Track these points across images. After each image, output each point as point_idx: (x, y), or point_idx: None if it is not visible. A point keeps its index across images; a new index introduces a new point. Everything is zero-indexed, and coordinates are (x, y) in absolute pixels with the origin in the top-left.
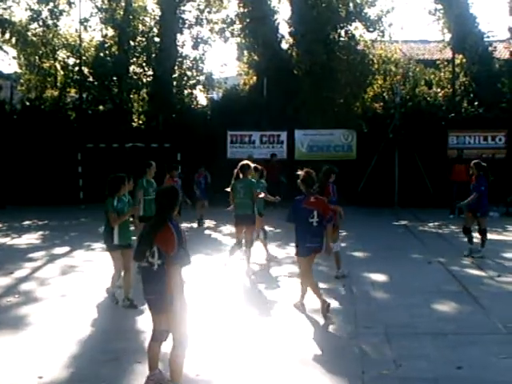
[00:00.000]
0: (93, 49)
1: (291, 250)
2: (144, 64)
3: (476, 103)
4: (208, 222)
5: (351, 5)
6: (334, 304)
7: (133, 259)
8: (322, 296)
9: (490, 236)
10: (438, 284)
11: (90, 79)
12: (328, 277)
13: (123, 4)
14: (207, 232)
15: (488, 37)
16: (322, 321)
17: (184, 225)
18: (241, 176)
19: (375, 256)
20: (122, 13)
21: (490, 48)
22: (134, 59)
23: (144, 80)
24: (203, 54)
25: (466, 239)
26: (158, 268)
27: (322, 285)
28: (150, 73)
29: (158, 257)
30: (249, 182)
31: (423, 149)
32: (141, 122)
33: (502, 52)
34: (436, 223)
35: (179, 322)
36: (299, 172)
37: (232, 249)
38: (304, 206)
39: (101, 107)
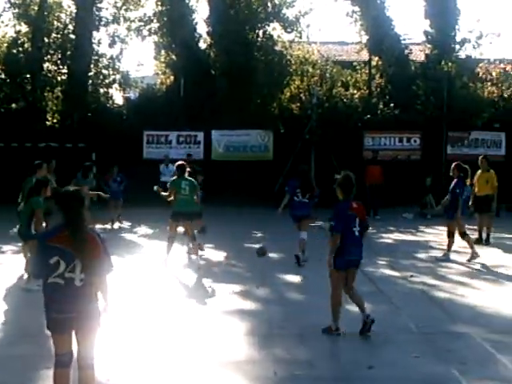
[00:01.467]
0: (5, 45)
1: (206, 251)
2: (59, 62)
3: (392, 105)
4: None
5: (269, 5)
6: (248, 305)
7: (34, 276)
8: (338, 321)
9: (403, 237)
10: None
11: (2, 76)
12: (243, 278)
13: (37, 0)
14: (122, 234)
15: (404, 39)
16: (237, 323)
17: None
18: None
19: (290, 257)
20: (36, 8)
21: (405, 50)
22: (49, 56)
23: (58, 78)
24: (120, 53)
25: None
26: (82, 283)
27: (236, 286)
28: (65, 71)
29: (80, 270)
30: (193, 181)
31: (339, 150)
32: (55, 120)
33: (417, 54)
34: None
35: (93, 344)
36: (336, 176)
37: (168, 246)
38: (350, 212)
39: (13, 105)
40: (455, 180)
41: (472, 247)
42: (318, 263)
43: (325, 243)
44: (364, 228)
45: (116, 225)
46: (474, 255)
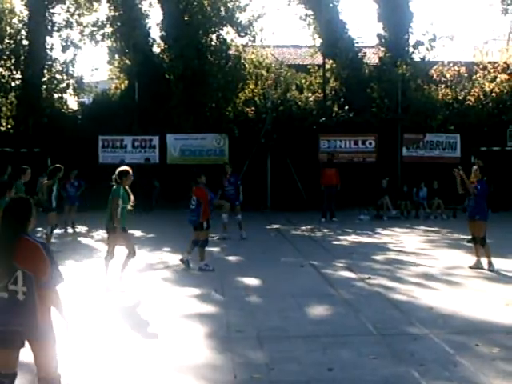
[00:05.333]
0: None
1: (164, 255)
2: (12, 67)
3: (346, 108)
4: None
5: (222, 10)
6: (207, 309)
7: None
8: None
9: (360, 239)
10: (310, 287)
11: None
12: (201, 281)
13: None
14: (79, 238)
15: (358, 42)
16: (195, 326)
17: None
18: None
19: (248, 260)
20: None
21: (359, 53)
22: (2, 62)
23: (12, 83)
24: (74, 58)
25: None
26: (25, 297)
27: (194, 290)
28: (19, 76)
29: (22, 283)
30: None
31: (295, 153)
32: (9, 126)
33: (371, 58)
34: (308, 227)
35: (52, 358)
36: None
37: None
38: None
39: None
40: (480, 183)
41: (478, 256)
42: (276, 266)
43: (284, 246)
44: None
45: (69, 230)
46: (478, 264)
